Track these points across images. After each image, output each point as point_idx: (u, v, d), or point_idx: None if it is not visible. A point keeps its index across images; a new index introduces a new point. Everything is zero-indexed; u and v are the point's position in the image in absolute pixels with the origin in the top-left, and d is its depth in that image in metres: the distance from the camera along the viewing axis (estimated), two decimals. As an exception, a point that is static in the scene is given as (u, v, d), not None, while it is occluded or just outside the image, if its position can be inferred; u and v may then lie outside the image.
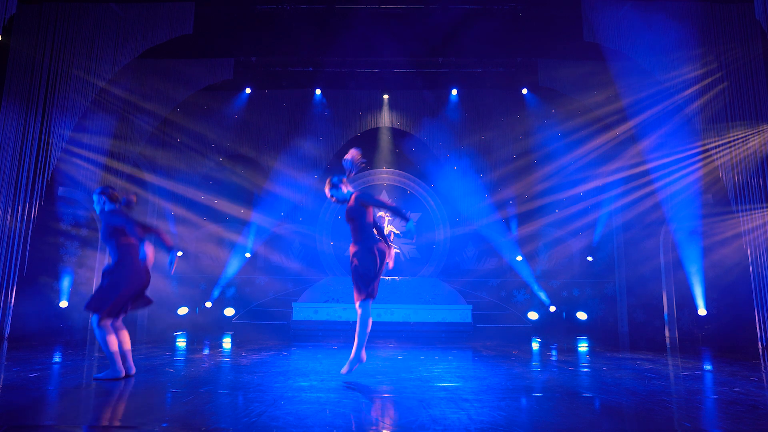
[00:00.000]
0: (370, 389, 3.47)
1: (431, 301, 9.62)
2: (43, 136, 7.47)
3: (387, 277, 10.74)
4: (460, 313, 9.16)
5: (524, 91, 11.12)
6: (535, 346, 6.94)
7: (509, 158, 11.58)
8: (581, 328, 10.21)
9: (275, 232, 11.48)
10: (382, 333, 8.29)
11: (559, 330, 9.94)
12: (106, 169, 8.94)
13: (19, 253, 7.15)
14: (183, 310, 10.17)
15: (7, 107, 7.40)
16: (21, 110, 7.43)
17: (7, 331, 6.96)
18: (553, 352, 6.17)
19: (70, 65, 7.74)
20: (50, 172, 7.52)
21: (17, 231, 7.16)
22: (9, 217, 7.19)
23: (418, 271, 11.59)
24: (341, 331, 8.47)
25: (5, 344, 6.27)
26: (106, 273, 3.72)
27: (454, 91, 11.29)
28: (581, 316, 10.43)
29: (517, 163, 11.45)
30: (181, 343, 6.89)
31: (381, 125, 12.01)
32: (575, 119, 10.82)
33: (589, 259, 10.91)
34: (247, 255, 11.19)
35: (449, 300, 9.70)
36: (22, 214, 7.22)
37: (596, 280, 10.70)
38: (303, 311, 9.08)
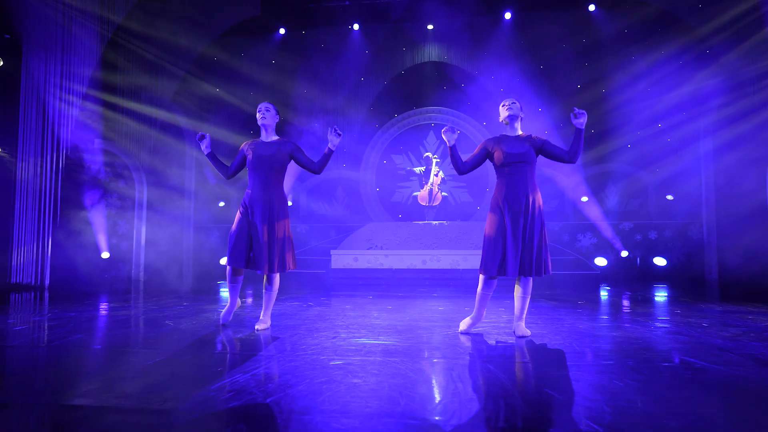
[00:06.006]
0: (389, 349, 2.75)
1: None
2: (64, 82, 7.12)
3: (434, 222, 9.92)
4: (516, 260, 8.21)
5: (591, 7, 9.44)
6: (604, 294, 5.95)
7: (573, 89, 10.13)
8: (659, 276, 8.95)
9: (318, 179, 10.91)
10: (428, 281, 7.59)
11: (632, 277, 8.76)
12: (135, 116, 8.60)
13: (51, 204, 7.02)
14: (224, 260, 10.00)
15: (29, 59, 7.06)
16: (41, 60, 7.08)
17: (47, 282, 6.97)
18: (630, 303, 5.17)
19: (85, 4, 7.23)
20: (74, 121, 7.23)
21: (47, 182, 7.01)
22: (39, 168, 7.03)
23: (471, 215, 10.67)
24: (382, 279, 7.84)
25: (46, 294, 6.21)
26: (281, 217, 3.34)
27: (508, 15, 9.82)
28: (659, 261, 9.13)
29: (583, 93, 9.98)
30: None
31: (427, 60, 10.86)
32: (658, 33, 9.08)
33: (670, 197, 9.44)
34: (289, 203, 10.77)
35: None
36: (51, 165, 7.03)
37: (678, 222, 9.27)
38: (341, 259, 8.52)
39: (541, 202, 3.16)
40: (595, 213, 9.51)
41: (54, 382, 2.20)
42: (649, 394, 1.92)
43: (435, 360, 2.52)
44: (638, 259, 9.18)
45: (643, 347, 2.83)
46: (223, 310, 3.58)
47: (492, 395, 1.91)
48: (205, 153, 3.43)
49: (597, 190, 9.83)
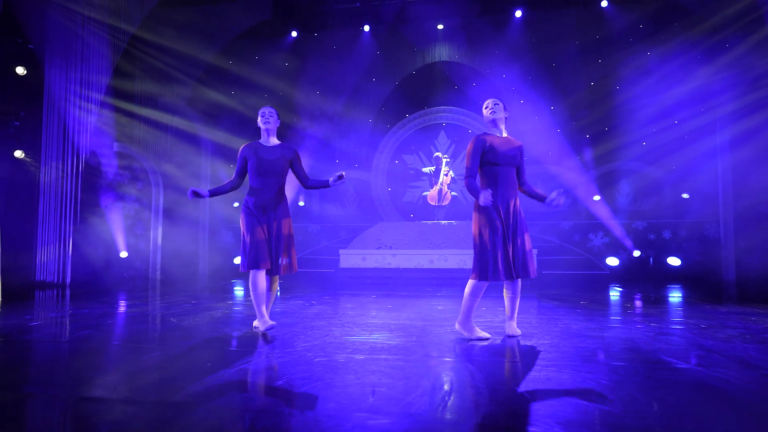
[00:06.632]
0: (376, 347, 2.83)
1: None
2: (82, 90, 7.42)
3: (443, 222, 9.95)
4: (524, 260, 8.17)
5: (603, 3, 9.35)
6: (611, 295, 5.91)
7: (585, 86, 10.03)
8: (673, 276, 8.81)
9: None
10: (434, 280, 7.64)
11: (644, 277, 8.64)
12: (150, 121, 8.88)
13: (72, 207, 7.33)
14: (239, 260, 10.23)
15: (50, 69, 7.37)
16: (62, 69, 7.38)
17: (68, 280, 7.27)
18: (634, 303, 5.14)
19: (103, 13, 7.52)
20: (92, 127, 7.52)
21: (68, 185, 7.31)
22: (61, 172, 7.34)
23: (480, 215, 10.65)
24: (390, 279, 7.93)
25: (67, 291, 6.50)
26: (286, 221, 3.41)
27: (518, 13, 9.80)
28: (673, 261, 8.98)
29: (595, 90, 9.88)
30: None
31: (437, 59, 10.90)
32: (670, 27, 8.93)
33: (685, 196, 9.25)
34: (301, 203, 10.96)
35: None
36: (71, 170, 7.34)
37: (693, 220, 9.09)
38: (350, 259, 8.65)
39: (518, 204, 3.17)
40: (607, 212, 9.41)
41: (59, 375, 2.35)
42: (619, 394, 1.95)
43: (418, 358, 2.58)
44: (651, 259, 9.04)
45: (630, 348, 2.85)
46: (262, 324, 3.25)
47: (462, 393, 1.97)
48: (207, 197, 3.29)
49: (609, 189, 9.71)
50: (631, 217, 9.50)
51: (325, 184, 3.42)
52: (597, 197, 9.56)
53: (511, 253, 3.09)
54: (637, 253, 9.07)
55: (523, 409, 1.77)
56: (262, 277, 3.26)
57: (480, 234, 3.07)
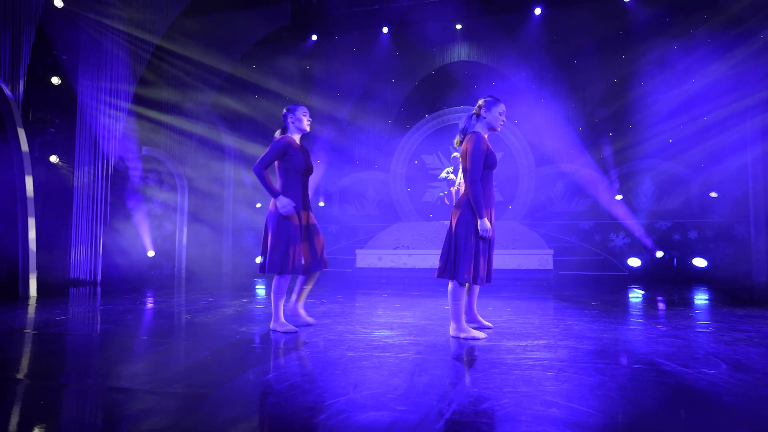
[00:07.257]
0: (372, 345, 2.92)
1: (509, 247, 8.64)
2: (111, 99, 7.82)
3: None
4: (539, 259, 8.09)
5: (626, -4, 9.19)
6: (629, 296, 5.81)
7: (608, 83, 9.86)
8: (699, 278, 8.54)
9: (349, 181, 11.25)
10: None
11: (668, 279, 8.41)
12: (176, 127, 9.23)
13: (102, 209, 7.73)
14: (260, 259, 10.51)
15: (83, 79, 7.78)
16: (93, 79, 7.79)
17: (99, 278, 7.67)
18: (648, 305, 5.04)
19: (129, 26, 7.90)
20: (120, 133, 7.91)
21: (99, 188, 7.71)
22: (92, 176, 7.74)
23: (501, 214, 10.60)
24: (405, 279, 8.01)
25: (98, 289, 6.86)
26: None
27: (538, 11, 9.72)
28: (699, 262, 8.70)
29: (618, 88, 9.71)
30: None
31: (456, 59, 10.91)
32: (700, 23, 8.69)
33: (713, 195, 8.96)
34: (321, 204, 11.16)
35: (528, 245, 8.64)
36: (102, 174, 7.73)
37: (721, 220, 8.79)
38: (366, 259, 8.77)
39: None
40: (629, 211, 9.21)
41: (72, 365, 2.55)
42: (596, 393, 1.98)
43: (409, 356, 2.66)
44: (675, 260, 8.80)
45: (626, 349, 2.84)
46: (280, 326, 3.33)
47: (439, 391, 2.04)
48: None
49: (632, 188, 9.50)
50: (655, 216, 9.27)
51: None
52: (619, 197, 9.37)
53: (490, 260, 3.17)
54: (660, 254, 8.84)
55: (496, 407, 1.83)
56: (288, 281, 3.31)
57: (472, 238, 3.02)
